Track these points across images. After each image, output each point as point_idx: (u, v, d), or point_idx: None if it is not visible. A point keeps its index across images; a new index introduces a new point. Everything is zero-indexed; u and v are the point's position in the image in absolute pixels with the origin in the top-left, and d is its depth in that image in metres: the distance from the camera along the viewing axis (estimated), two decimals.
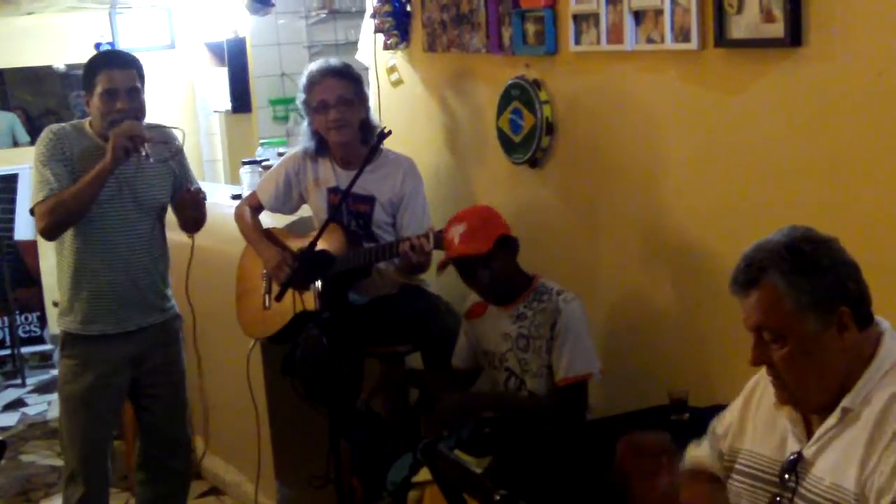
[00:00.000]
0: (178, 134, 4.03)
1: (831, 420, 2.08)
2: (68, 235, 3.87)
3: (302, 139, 4.18)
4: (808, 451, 2.11)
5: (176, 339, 4.14)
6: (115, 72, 3.80)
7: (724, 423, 2.39)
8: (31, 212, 3.83)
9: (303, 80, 4.10)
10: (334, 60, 4.16)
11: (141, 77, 3.88)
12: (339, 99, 4.00)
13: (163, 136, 3.98)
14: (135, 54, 4.00)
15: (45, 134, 3.87)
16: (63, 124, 3.96)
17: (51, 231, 3.84)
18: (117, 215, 3.87)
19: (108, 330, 3.92)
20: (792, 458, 2.13)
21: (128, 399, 4.17)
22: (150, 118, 3.94)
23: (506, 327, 3.50)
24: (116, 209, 3.87)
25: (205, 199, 3.99)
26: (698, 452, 2.42)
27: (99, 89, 3.80)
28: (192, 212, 3.98)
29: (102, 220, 3.85)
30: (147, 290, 3.97)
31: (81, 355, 3.94)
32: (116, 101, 3.79)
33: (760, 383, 2.30)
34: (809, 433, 2.14)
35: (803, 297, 2.05)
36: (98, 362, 3.93)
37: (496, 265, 3.43)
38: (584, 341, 3.39)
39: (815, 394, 2.10)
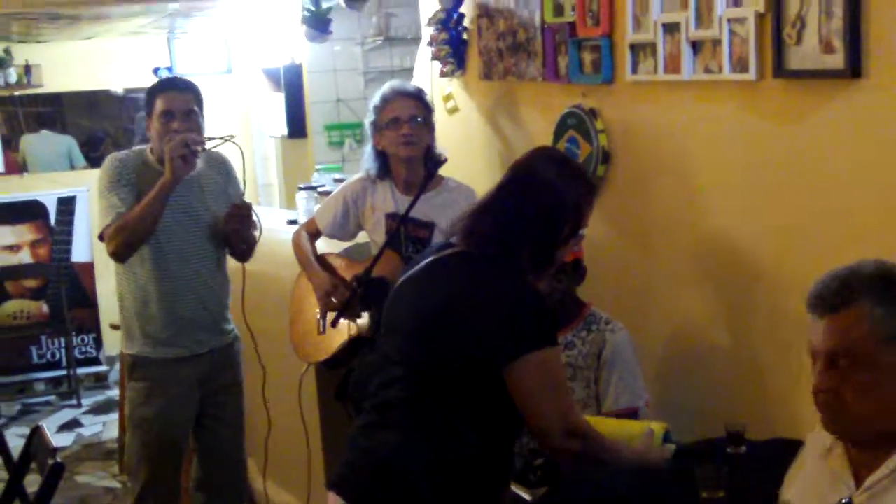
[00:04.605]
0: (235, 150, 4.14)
1: (885, 470, 2.03)
2: (136, 259, 3.93)
3: (364, 162, 4.17)
4: (858, 499, 2.06)
5: (237, 361, 4.23)
6: (172, 94, 3.98)
7: (783, 489, 2.34)
8: (101, 237, 3.91)
9: (374, 101, 4.10)
10: (409, 84, 4.21)
11: (199, 102, 4.03)
12: (411, 118, 4.02)
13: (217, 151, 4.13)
14: (192, 79, 4.11)
15: (109, 161, 3.99)
16: (126, 151, 4.10)
17: (120, 253, 3.92)
18: (185, 238, 3.98)
19: (181, 353, 4.00)
20: None
21: None
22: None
23: None
24: (183, 231, 3.98)
25: (249, 217, 4.05)
26: None
27: (157, 111, 3.94)
28: (237, 225, 4.03)
29: (171, 243, 3.95)
30: (214, 312, 4.09)
31: (152, 378, 4.01)
32: (173, 122, 3.93)
33: (808, 441, 2.27)
34: (858, 482, 2.10)
35: (890, 327, 2.02)
36: (170, 385, 4.00)
37: (558, 280, 3.43)
38: (630, 373, 3.37)
39: (870, 426, 2.06)
